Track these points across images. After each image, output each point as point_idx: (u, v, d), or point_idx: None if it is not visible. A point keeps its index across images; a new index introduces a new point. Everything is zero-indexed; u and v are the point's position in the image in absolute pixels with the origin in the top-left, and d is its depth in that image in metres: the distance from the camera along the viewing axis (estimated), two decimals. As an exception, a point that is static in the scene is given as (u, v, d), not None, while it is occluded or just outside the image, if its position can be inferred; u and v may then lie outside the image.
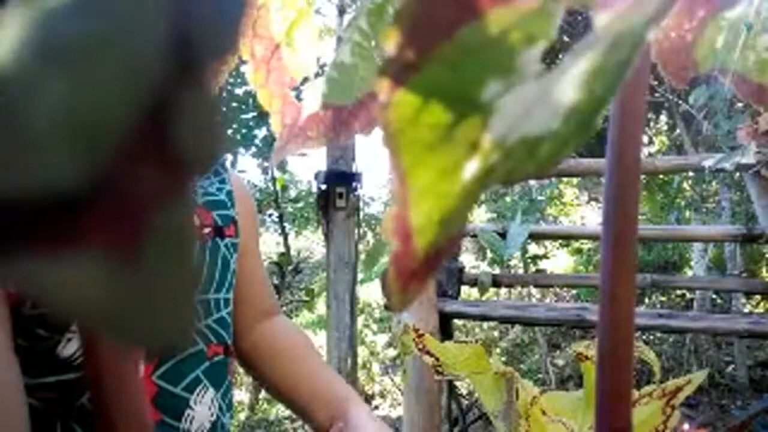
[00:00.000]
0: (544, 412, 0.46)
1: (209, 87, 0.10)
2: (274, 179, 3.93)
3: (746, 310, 3.83)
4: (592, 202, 6.46)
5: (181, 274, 0.10)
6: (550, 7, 0.15)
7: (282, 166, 3.80)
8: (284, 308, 3.96)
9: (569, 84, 0.14)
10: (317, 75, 0.31)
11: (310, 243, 6.79)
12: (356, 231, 3.43)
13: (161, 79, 0.09)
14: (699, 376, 0.46)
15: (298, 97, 0.32)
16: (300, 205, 4.62)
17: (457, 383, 2.56)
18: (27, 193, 0.08)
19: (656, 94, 3.90)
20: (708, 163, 2.05)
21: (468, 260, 4.80)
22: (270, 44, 0.31)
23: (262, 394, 4.08)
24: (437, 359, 0.49)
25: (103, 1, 0.09)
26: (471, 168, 0.15)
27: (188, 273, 0.10)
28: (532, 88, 0.14)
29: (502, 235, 2.37)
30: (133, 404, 0.22)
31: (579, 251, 5.30)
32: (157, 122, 0.09)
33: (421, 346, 0.49)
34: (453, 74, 0.14)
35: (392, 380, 3.97)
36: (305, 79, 0.32)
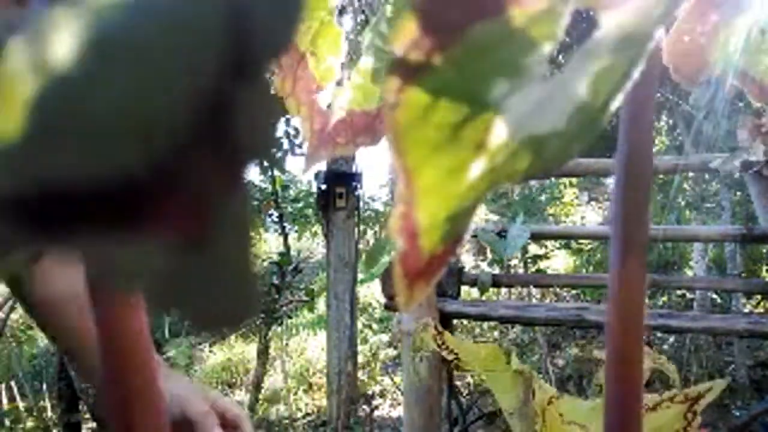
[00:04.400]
0: (560, 414, 0.46)
1: (265, 82, 0.10)
2: (274, 179, 3.92)
3: (746, 310, 3.83)
4: (592, 202, 6.46)
5: (241, 256, 0.11)
6: (557, 9, 0.15)
7: (281, 167, 3.80)
8: (284, 308, 3.96)
9: (576, 84, 0.14)
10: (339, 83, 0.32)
11: (310, 243, 6.79)
12: (356, 231, 3.43)
13: (220, 73, 0.09)
14: (721, 384, 0.46)
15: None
16: (300, 205, 4.61)
17: (458, 383, 2.56)
18: (95, 181, 0.09)
19: (657, 95, 3.90)
20: (715, 163, 2.05)
21: (468, 260, 4.80)
22: (295, 54, 0.32)
23: (262, 394, 4.08)
24: (456, 356, 0.50)
25: None
26: (477, 167, 0.15)
27: (248, 254, 0.11)
28: (539, 88, 0.14)
29: (503, 235, 2.37)
30: (149, 393, 0.23)
31: (579, 251, 5.29)
32: (215, 115, 0.10)
33: (440, 343, 0.50)
34: (461, 74, 0.14)
35: (392, 380, 3.97)
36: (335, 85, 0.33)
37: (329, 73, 0.32)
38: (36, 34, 0.09)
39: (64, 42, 0.09)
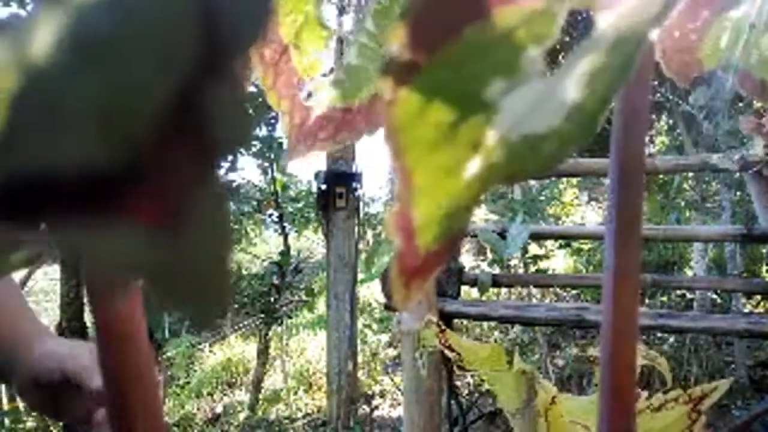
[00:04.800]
0: (562, 414, 0.46)
1: (238, 74, 0.10)
2: (274, 179, 3.93)
3: (746, 310, 3.83)
4: (592, 202, 6.46)
5: (214, 251, 0.11)
6: (553, 7, 0.15)
7: (281, 167, 3.80)
8: (284, 308, 3.96)
9: (572, 83, 0.14)
10: (324, 76, 0.32)
11: (310, 243, 6.79)
12: (356, 231, 3.43)
13: (192, 66, 0.10)
14: (725, 384, 0.46)
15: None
16: (300, 205, 4.62)
17: (458, 383, 2.56)
18: (69, 171, 0.09)
19: (657, 95, 3.90)
20: (716, 159, 2.05)
21: (468, 260, 4.80)
22: (278, 47, 0.32)
23: (262, 394, 4.08)
24: (459, 355, 0.50)
25: None
26: (473, 167, 0.15)
27: (221, 249, 0.11)
28: (535, 87, 0.14)
29: (502, 235, 2.37)
30: (149, 393, 0.23)
31: (579, 251, 5.30)
32: (189, 107, 0.10)
33: (443, 341, 0.50)
34: (457, 73, 0.14)
35: (392, 380, 3.97)
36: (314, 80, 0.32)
37: (313, 66, 0.32)
38: (20, 32, 0.09)
39: (43, 38, 0.09)
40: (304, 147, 0.31)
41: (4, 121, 0.09)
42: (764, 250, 4.49)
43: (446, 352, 0.50)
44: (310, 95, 0.31)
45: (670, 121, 4.55)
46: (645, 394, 0.46)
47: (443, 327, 0.51)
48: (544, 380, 0.48)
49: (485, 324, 4.64)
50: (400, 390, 3.10)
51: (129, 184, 0.10)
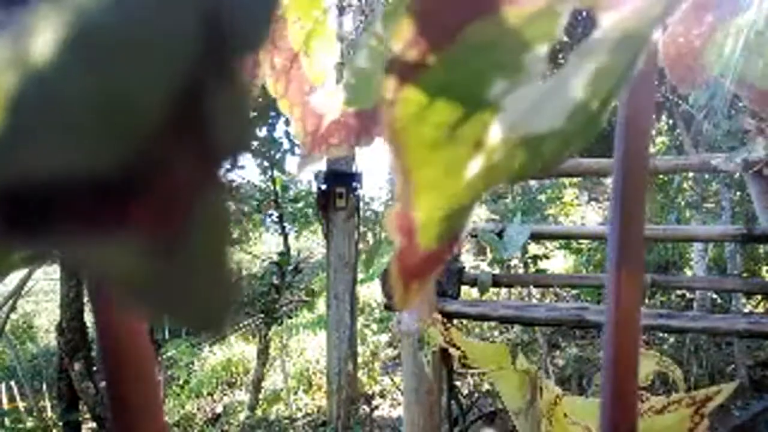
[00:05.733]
0: (565, 414, 0.46)
1: (241, 78, 0.10)
2: (273, 179, 3.92)
3: (746, 310, 3.83)
4: (592, 202, 6.46)
5: (218, 255, 0.10)
6: (556, 8, 0.15)
7: (281, 167, 3.80)
8: (284, 308, 3.96)
9: (574, 83, 0.14)
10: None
11: (310, 243, 6.79)
12: (356, 231, 3.43)
13: (194, 70, 0.09)
14: (729, 387, 0.46)
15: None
16: (300, 205, 4.61)
17: (457, 383, 2.56)
18: (67, 177, 0.09)
19: (657, 95, 3.89)
20: (716, 161, 2.04)
21: (468, 260, 4.80)
22: (289, 54, 0.32)
23: (262, 394, 4.08)
24: (463, 353, 0.50)
25: None
26: (475, 166, 0.15)
27: (225, 252, 0.10)
28: (537, 87, 0.14)
29: (503, 235, 2.37)
30: (150, 393, 0.23)
31: (579, 251, 5.29)
32: (190, 112, 0.10)
33: (447, 339, 0.50)
34: (459, 73, 0.14)
35: (392, 380, 3.97)
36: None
37: (323, 73, 0.32)
38: (19, 31, 0.09)
39: (43, 37, 0.09)
40: (318, 153, 0.32)
41: (3, 122, 0.09)
42: (764, 250, 4.49)
43: (450, 350, 0.50)
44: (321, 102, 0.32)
45: (670, 121, 4.55)
46: (647, 395, 0.46)
47: (448, 325, 0.51)
48: (547, 380, 0.48)
49: (485, 324, 4.64)
50: (400, 390, 3.10)
51: (131, 187, 0.09)
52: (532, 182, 4.21)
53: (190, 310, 0.10)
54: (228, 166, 0.10)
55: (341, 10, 3.35)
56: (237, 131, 0.10)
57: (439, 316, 0.52)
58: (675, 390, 0.48)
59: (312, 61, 0.32)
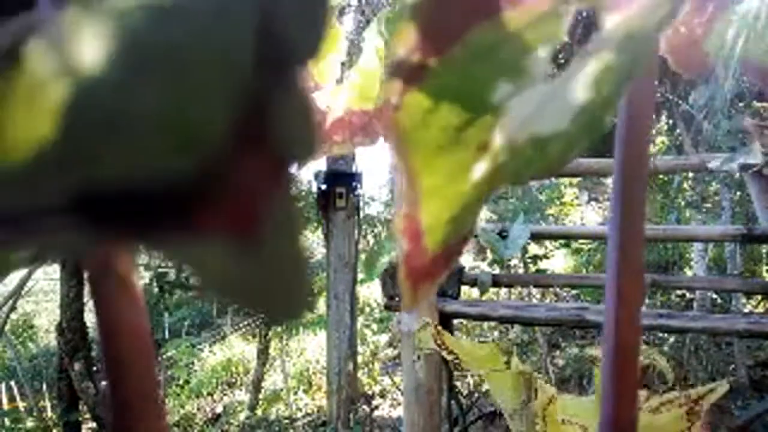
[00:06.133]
0: (562, 420, 0.46)
1: (301, 84, 0.10)
2: (274, 179, 3.91)
3: (746, 310, 3.82)
4: (592, 202, 6.46)
5: (293, 252, 0.11)
6: (559, 10, 0.15)
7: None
8: (284, 308, 3.95)
9: (578, 85, 0.14)
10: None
11: (310, 243, 6.79)
12: (356, 231, 3.43)
13: (254, 80, 0.10)
14: (722, 386, 0.46)
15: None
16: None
17: (457, 383, 2.56)
18: (139, 186, 0.09)
19: (657, 94, 3.89)
20: (713, 164, 2.04)
21: (468, 260, 4.80)
22: None
23: (262, 394, 4.07)
24: (456, 356, 0.49)
25: (197, 3, 0.09)
26: (480, 169, 0.15)
27: (299, 250, 0.11)
28: (541, 89, 0.14)
29: (503, 236, 2.37)
30: (148, 384, 0.23)
31: (579, 251, 5.29)
32: (256, 119, 0.10)
33: (439, 343, 0.50)
34: (463, 76, 0.14)
35: (392, 380, 3.97)
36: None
37: (327, 71, 0.32)
38: (57, 38, 0.09)
39: (91, 46, 0.09)
40: (321, 151, 0.31)
41: (62, 132, 0.09)
42: (764, 250, 4.49)
43: (443, 354, 0.50)
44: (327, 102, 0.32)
45: (670, 121, 4.55)
46: (645, 393, 0.46)
47: (440, 329, 0.51)
48: (542, 381, 0.48)
49: (485, 324, 4.64)
50: (400, 390, 3.09)
51: (204, 195, 0.10)
52: (532, 182, 4.21)
53: (274, 301, 0.11)
54: (296, 170, 0.11)
55: (341, 10, 3.35)
56: (302, 136, 0.11)
57: (431, 320, 0.52)
58: (674, 387, 0.48)
59: (318, 58, 0.32)
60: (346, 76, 0.32)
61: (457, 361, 0.50)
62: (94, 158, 0.09)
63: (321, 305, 4.95)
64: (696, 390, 0.46)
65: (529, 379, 0.48)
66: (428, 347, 0.51)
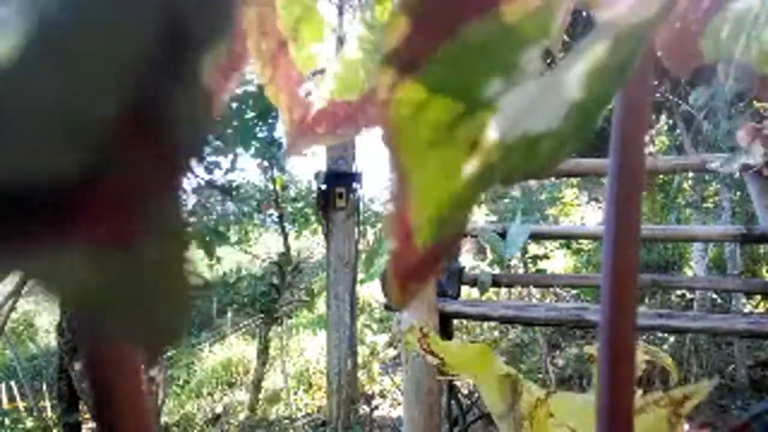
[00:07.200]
0: (551, 415, 0.45)
1: (201, 78, 0.10)
2: (273, 179, 3.92)
3: (746, 310, 3.82)
4: (592, 202, 6.45)
5: (173, 264, 0.10)
6: (551, 5, 0.14)
7: (281, 166, 3.80)
8: (284, 308, 3.96)
9: (571, 82, 0.14)
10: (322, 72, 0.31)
11: (310, 243, 6.79)
12: (356, 231, 3.43)
13: (151, 70, 0.09)
14: (706, 386, 0.46)
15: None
16: (300, 205, 4.61)
17: (457, 383, 2.56)
18: (17, 183, 0.08)
19: (656, 94, 3.89)
20: (713, 165, 2.04)
21: (468, 260, 4.79)
22: (277, 40, 0.31)
23: (262, 394, 4.08)
24: (441, 359, 0.49)
25: None
26: (472, 166, 0.15)
27: (181, 262, 0.10)
28: (533, 86, 0.14)
29: (503, 235, 2.37)
30: (133, 393, 0.22)
31: (579, 251, 5.29)
32: (146, 113, 0.09)
33: (425, 346, 0.49)
34: (454, 72, 0.14)
35: (392, 380, 3.97)
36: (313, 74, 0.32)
37: (311, 60, 0.31)
38: None
39: (5, 37, 0.08)
40: (303, 142, 0.31)
41: None
42: (764, 250, 4.49)
43: (428, 357, 0.49)
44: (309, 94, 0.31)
45: (670, 121, 4.55)
46: (640, 392, 0.46)
47: (425, 332, 0.50)
48: (530, 383, 0.47)
49: (485, 324, 4.64)
50: (400, 390, 3.09)
51: (80, 194, 0.09)
52: (533, 182, 4.21)
53: (141, 324, 0.10)
54: (185, 172, 0.09)
55: (341, 10, 3.35)
56: (194, 134, 0.10)
57: (417, 324, 0.52)
58: (676, 387, 0.48)
59: (300, 46, 0.31)
60: (329, 66, 0.31)
61: (443, 365, 0.49)
62: None
63: (321, 305, 4.95)
64: (679, 389, 0.46)
65: (514, 382, 0.48)
66: (414, 351, 0.50)
